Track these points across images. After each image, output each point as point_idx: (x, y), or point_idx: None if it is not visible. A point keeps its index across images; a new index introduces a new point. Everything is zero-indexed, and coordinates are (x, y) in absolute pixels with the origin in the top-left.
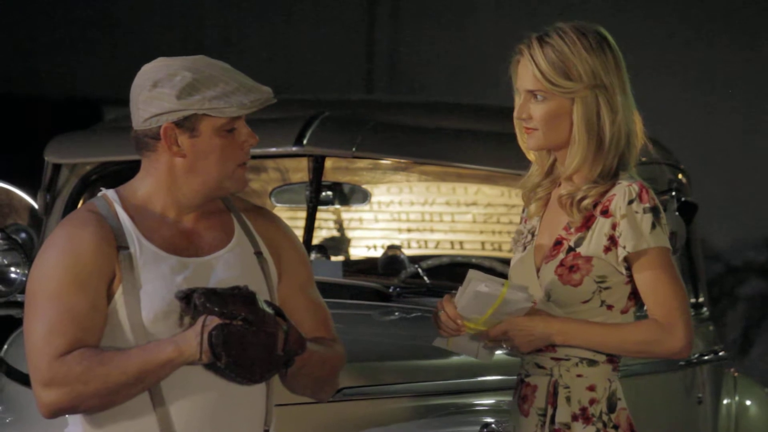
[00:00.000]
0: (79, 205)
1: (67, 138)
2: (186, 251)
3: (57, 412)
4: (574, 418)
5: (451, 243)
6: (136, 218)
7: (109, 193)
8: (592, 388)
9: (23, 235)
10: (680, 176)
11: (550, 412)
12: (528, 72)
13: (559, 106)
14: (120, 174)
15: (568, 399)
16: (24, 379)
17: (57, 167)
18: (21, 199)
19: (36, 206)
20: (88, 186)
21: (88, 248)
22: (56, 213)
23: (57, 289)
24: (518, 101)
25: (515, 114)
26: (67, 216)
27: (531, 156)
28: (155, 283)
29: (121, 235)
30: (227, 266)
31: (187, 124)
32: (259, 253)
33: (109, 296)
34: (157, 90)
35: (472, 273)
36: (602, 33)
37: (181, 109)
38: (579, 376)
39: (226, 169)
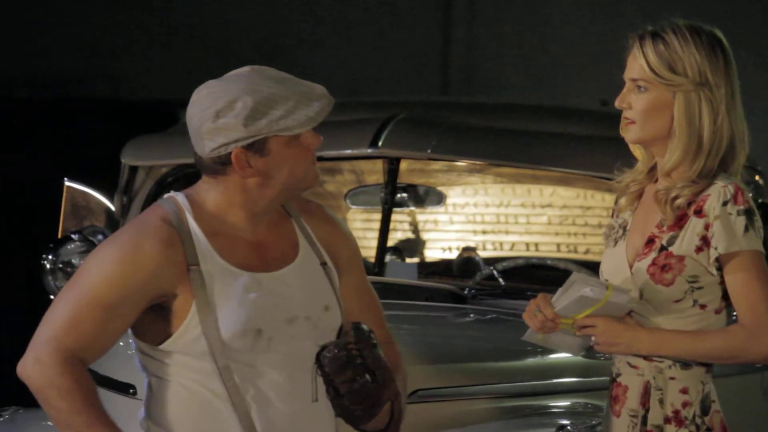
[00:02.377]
0: None
1: (144, 140)
2: (257, 267)
3: (25, 380)
4: (667, 420)
5: (527, 245)
6: (207, 231)
7: (179, 198)
8: (685, 391)
9: (100, 237)
10: (757, 177)
11: (641, 413)
12: (635, 61)
13: (659, 98)
14: (196, 176)
15: (660, 401)
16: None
17: (133, 169)
18: (98, 202)
19: (113, 208)
20: (164, 188)
21: (147, 265)
22: (133, 215)
23: (102, 290)
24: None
25: (616, 102)
26: (139, 218)
27: (637, 153)
28: (230, 303)
29: (192, 252)
30: (298, 281)
31: (257, 146)
32: (324, 264)
33: (165, 308)
34: (221, 121)
35: (575, 275)
36: (717, 35)
37: (251, 135)
38: (672, 378)
39: (298, 174)
